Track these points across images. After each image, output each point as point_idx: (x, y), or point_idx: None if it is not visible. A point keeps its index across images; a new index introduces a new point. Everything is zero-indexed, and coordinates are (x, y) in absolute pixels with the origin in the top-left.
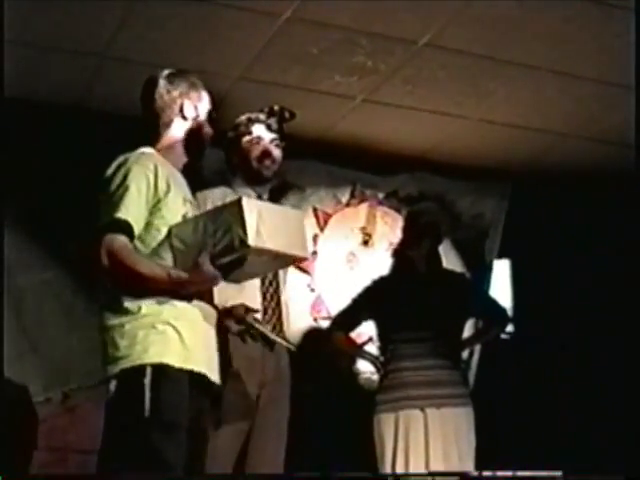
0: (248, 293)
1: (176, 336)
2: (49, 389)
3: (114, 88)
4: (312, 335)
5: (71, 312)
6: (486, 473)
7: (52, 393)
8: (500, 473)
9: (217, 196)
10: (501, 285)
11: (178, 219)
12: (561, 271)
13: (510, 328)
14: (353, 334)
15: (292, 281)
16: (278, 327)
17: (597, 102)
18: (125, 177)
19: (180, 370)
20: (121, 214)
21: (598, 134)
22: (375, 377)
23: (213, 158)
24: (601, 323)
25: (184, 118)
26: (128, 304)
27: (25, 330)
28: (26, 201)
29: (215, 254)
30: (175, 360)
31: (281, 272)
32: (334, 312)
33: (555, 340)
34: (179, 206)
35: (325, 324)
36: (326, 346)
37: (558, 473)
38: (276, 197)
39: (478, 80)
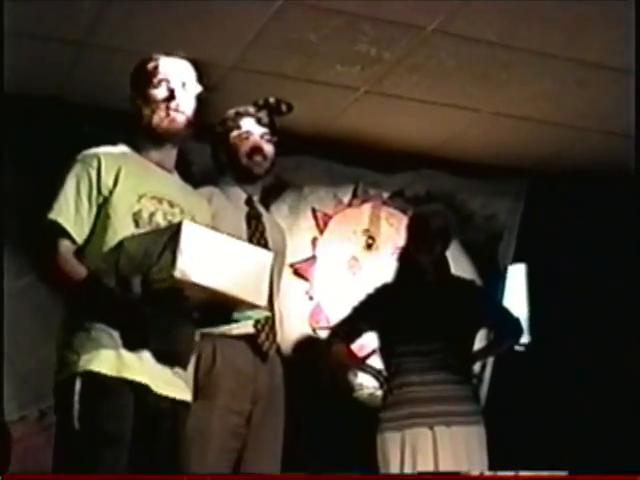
0: None
1: (111, 342)
2: (24, 407)
3: (95, 78)
4: (310, 347)
5: (48, 322)
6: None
7: (27, 411)
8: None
9: (203, 196)
10: (516, 292)
11: (127, 220)
12: (581, 277)
13: (525, 339)
14: (355, 346)
15: (288, 288)
16: (271, 338)
17: (620, 93)
18: (64, 177)
19: (115, 379)
20: (53, 215)
21: (620, 128)
22: (379, 393)
23: (202, 155)
24: (624, 333)
25: (145, 103)
26: (72, 315)
27: None
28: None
29: (148, 277)
30: (107, 368)
31: (275, 277)
32: (334, 322)
33: (574, 352)
34: (130, 203)
35: (324, 335)
36: (325, 359)
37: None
38: (271, 197)
39: (491, 70)
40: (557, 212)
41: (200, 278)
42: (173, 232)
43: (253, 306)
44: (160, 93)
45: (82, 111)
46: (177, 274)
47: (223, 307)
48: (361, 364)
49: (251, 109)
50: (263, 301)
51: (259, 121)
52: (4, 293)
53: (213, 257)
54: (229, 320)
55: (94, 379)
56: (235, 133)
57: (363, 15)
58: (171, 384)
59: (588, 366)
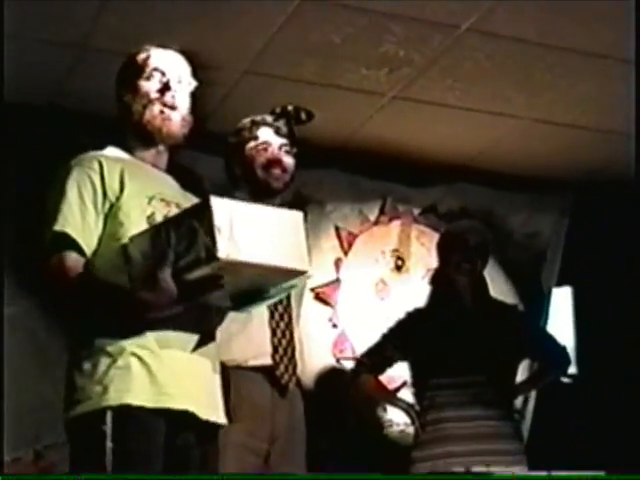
0: (254, 328)
1: (142, 370)
2: (18, 447)
3: (94, 84)
4: (334, 379)
5: (44, 353)
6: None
7: (22, 452)
8: None
9: None
10: (561, 318)
11: (142, 224)
12: (632, 300)
13: (572, 370)
14: (383, 378)
15: (310, 314)
16: (291, 370)
17: None
18: (63, 184)
19: (151, 411)
20: (59, 227)
21: None
22: (410, 429)
23: (214, 168)
24: None
25: (135, 99)
26: (88, 336)
27: None
28: None
29: (180, 268)
30: (143, 399)
31: (294, 302)
32: (360, 351)
33: (626, 384)
34: (142, 206)
35: (349, 365)
36: (351, 392)
37: None
38: None
39: (531, 72)
40: (606, 229)
41: (247, 255)
42: (200, 212)
43: (299, 273)
44: (153, 85)
45: (79, 118)
46: (222, 255)
47: (260, 284)
48: (391, 398)
49: (268, 118)
50: (307, 265)
51: (277, 131)
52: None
53: (250, 229)
54: (267, 297)
55: (129, 413)
56: (251, 144)
57: (390, 13)
58: (212, 406)
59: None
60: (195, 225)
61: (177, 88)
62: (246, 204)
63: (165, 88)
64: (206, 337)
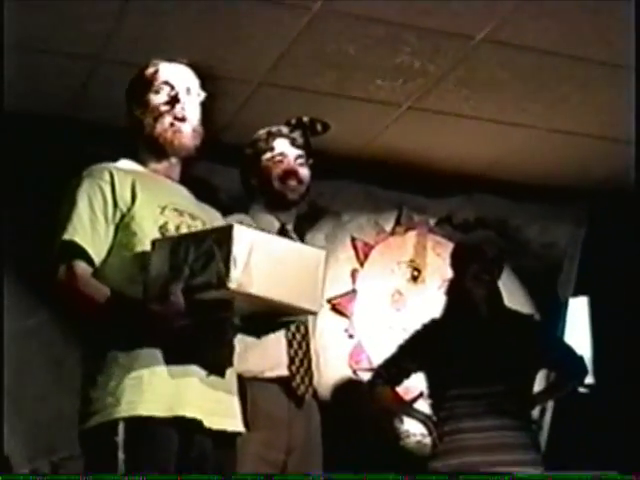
0: (270, 339)
1: (155, 380)
2: (35, 459)
3: (109, 96)
4: (350, 390)
5: (60, 365)
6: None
7: (38, 463)
8: None
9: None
10: (578, 328)
11: (155, 234)
12: None
13: (589, 380)
14: (400, 389)
15: (326, 325)
16: (307, 381)
17: None
18: (74, 195)
19: (163, 421)
20: (67, 236)
21: None
22: (427, 440)
23: (230, 179)
24: None
25: (146, 113)
26: (101, 348)
27: (5, 387)
28: (7, 231)
29: (192, 286)
30: (155, 409)
31: None
32: (377, 362)
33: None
34: (154, 215)
35: (366, 377)
36: (368, 403)
37: None
38: (306, 225)
39: (547, 82)
40: (623, 239)
41: (258, 289)
42: (221, 236)
43: (308, 313)
44: (162, 98)
45: (94, 130)
46: (232, 285)
47: (271, 315)
48: (408, 409)
49: (284, 129)
50: (319, 306)
51: (293, 142)
52: (6, 335)
53: (267, 263)
54: (275, 327)
55: (141, 423)
56: (267, 155)
57: (405, 24)
58: (224, 414)
59: None
60: (214, 249)
61: (186, 100)
62: (270, 236)
63: (174, 100)
64: (223, 349)
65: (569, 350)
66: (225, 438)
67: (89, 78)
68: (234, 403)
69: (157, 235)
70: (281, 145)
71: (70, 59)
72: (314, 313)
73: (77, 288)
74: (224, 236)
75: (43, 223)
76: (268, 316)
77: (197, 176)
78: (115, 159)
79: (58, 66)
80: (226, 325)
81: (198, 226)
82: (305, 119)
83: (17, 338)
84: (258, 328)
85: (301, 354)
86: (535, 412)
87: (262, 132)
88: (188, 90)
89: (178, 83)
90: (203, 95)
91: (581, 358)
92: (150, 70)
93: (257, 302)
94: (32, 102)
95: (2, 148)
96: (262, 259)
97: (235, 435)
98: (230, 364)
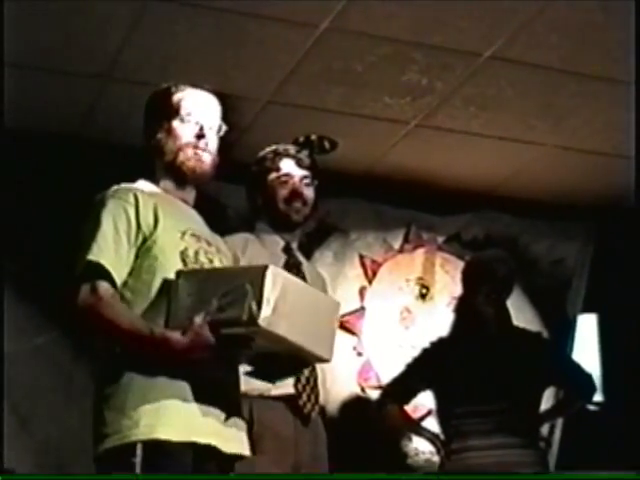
0: None
1: (173, 403)
2: None
3: (119, 114)
4: (358, 408)
5: (69, 383)
6: None
7: None
8: None
9: (237, 244)
10: (586, 345)
11: (176, 259)
12: None
13: (598, 398)
14: (409, 407)
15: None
16: (313, 399)
17: None
18: (98, 215)
19: (179, 444)
20: (92, 256)
21: None
22: (436, 459)
23: (238, 197)
24: None
25: (169, 139)
26: (117, 369)
27: (14, 404)
28: (15, 250)
29: (218, 321)
30: (172, 433)
31: None
32: (385, 380)
33: None
34: (175, 240)
35: (374, 395)
36: (376, 422)
37: None
38: (314, 243)
39: (555, 99)
40: (631, 255)
41: (284, 331)
42: (255, 276)
43: (322, 361)
44: (188, 130)
45: (103, 150)
46: (263, 324)
47: (284, 359)
48: (416, 427)
49: (291, 149)
50: (332, 355)
51: (299, 163)
52: (15, 353)
53: (293, 306)
54: (287, 374)
55: (159, 446)
56: (273, 175)
57: (413, 42)
58: (236, 439)
59: None
60: (247, 287)
61: (210, 134)
62: (298, 281)
63: (200, 136)
64: (232, 376)
65: (577, 368)
66: (228, 462)
67: (97, 97)
68: (242, 427)
69: (178, 260)
70: (287, 165)
71: (78, 78)
72: (327, 361)
73: (101, 309)
74: (258, 275)
75: (46, 240)
76: (281, 360)
77: (205, 194)
78: (126, 178)
79: (65, 84)
80: (237, 359)
81: (213, 252)
82: (313, 137)
83: (27, 355)
84: (270, 371)
85: (307, 372)
86: (544, 430)
87: (269, 150)
88: (212, 125)
89: (204, 117)
90: (225, 129)
91: (590, 376)
92: (177, 96)
93: (278, 343)
94: (39, 120)
95: (5, 165)
96: (289, 302)
97: (237, 459)
98: (238, 390)
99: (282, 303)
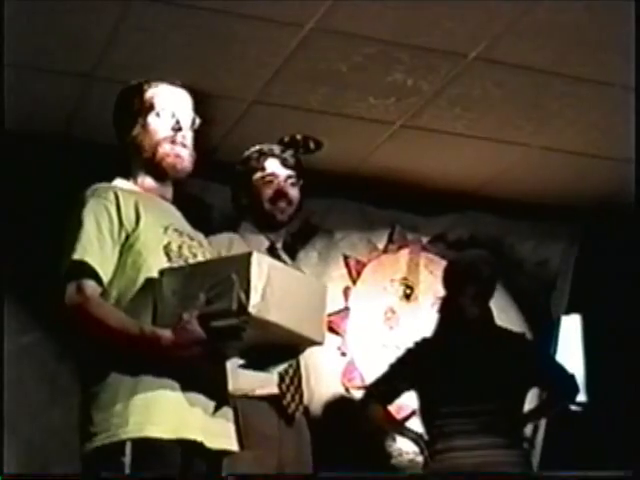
0: None
1: (161, 400)
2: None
3: (105, 114)
4: (342, 408)
5: (54, 383)
6: None
7: None
8: None
9: (221, 244)
10: (570, 346)
11: (160, 254)
12: None
13: (581, 398)
14: (392, 407)
15: None
16: (297, 399)
17: None
18: (80, 214)
19: (169, 442)
20: (77, 255)
21: None
22: (419, 459)
23: (223, 197)
24: None
25: (146, 135)
26: (103, 368)
27: None
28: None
29: (207, 314)
30: (162, 431)
31: None
32: (369, 380)
33: (636, 412)
34: (158, 236)
35: (358, 395)
36: (360, 422)
37: None
38: (299, 243)
39: (540, 100)
40: (616, 257)
41: (275, 316)
42: (240, 265)
43: (314, 344)
44: (165, 124)
45: (88, 149)
46: (253, 312)
47: (276, 347)
48: (400, 427)
49: (276, 149)
50: (323, 338)
51: (284, 162)
52: (4, 351)
53: (281, 291)
54: (280, 361)
55: (147, 444)
56: (258, 175)
57: (398, 42)
58: (223, 435)
59: None
60: (233, 277)
61: (185, 127)
62: (283, 265)
63: (177, 129)
64: (220, 371)
65: (561, 368)
66: (216, 458)
67: (83, 96)
68: (230, 423)
69: (162, 255)
70: (272, 165)
71: (63, 77)
72: (320, 344)
73: (89, 308)
74: (243, 264)
75: (38, 240)
76: (273, 348)
77: (190, 194)
78: (110, 177)
79: (51, 84)
80: (228, 352)
81: (196, 246)
82: (298, 137)
83: (10, 355)
84: (263, 361)
85: (291, 372)
86: (528, 430)
87: (254, 150)
88: (187, 118)
89: (179, 111)
90: (199, 122)
91: (573, 376)
92: (150, 92)
93: (269, 331)
94: (24, 119)
95: None
96: (277, 288)
97: (224, 455)
98: (226, 385)
99: (270, 289)
